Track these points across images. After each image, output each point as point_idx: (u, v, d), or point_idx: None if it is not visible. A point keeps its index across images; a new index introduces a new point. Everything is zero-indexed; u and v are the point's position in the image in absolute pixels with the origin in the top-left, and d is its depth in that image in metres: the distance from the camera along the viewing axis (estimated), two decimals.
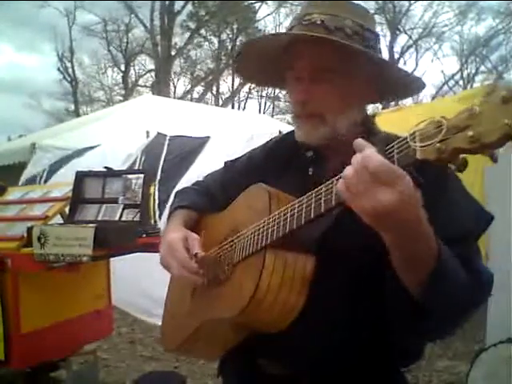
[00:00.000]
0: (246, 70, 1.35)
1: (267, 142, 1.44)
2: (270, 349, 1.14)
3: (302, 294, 1.05)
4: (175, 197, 1.50)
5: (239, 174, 1.37)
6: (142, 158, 6.02)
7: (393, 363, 1.19)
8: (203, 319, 1.21)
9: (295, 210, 1.01)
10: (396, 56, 24.76)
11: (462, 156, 0.75)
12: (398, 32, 24.54)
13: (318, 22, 1.14)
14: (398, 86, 1.21)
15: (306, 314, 1.05)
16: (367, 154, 0.83)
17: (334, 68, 1.15)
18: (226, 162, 1.52)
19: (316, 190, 0.97)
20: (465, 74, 24.50)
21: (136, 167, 5.75)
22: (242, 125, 8.70)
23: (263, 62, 1.28)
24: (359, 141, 0.86)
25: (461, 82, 24.32)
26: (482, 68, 24.13)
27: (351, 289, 1.09)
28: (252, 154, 1.45)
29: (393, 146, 0.83)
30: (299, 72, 1.18)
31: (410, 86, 1.21)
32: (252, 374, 1.22)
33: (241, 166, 1.43)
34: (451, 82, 24.58)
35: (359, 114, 1.21)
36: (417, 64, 24.68)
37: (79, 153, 6.91)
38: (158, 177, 5.50)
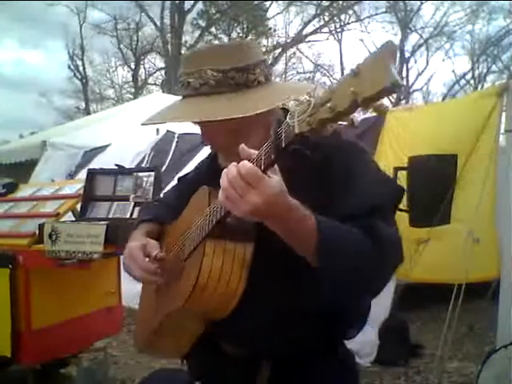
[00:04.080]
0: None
1: (211, 152, 1.54)
2: (227, 331, 1.24)
3: (242, 278, 1.15)
4: (139, 213, 1.62)
5: (190, 186, 1.45)
6: (151, 156, 6.06)
7: (336, 335, 1.31)
8: (163, 314, 1.30)
9: None
10: (407, 55, 24.67)
11: (331, 126, 0.88)
12: (408, 31, 24.41)
13: (185, 85, 1.27)
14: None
15: (250, 297, 1.14)
16: (241, 164, 0.99)
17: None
18: (178, 178, 1.69)
19: None
20: (476, 73, 24.33)
21: (144, 164, 5.79)
22: None
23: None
24: (241, 147, 1.03)
25: (472, 82, 24.16)
26: (494, 67, 23.95)
27: (288, 270, 1.17)
28: (198, 166, 1.60)
29: (281, 127, 0.95)
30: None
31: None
32: (215, 356, 1.32)
33: (191, 178, 1.58)
34: (462, 82, 24.43)
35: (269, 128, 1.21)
36: (428, 63, 24.57)
37: (91, 152, 6.93)
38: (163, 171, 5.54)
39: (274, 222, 1.05)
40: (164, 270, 1.32)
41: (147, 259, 1.34)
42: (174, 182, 1.74)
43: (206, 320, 1.25)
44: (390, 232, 1.15)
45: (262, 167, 0.99)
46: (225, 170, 1.03)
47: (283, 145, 0.94)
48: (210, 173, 1.42)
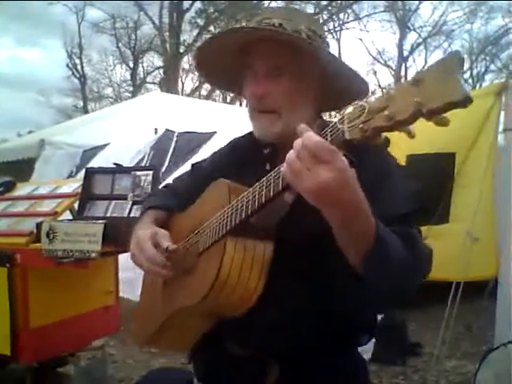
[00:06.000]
0: (207, 67, 1.41)
1: (229, 142, 1.52)
2: (235, 331, 1.22)
3: (261, 277, 1.11)
4: (146, 199, 1.59)
5: (204, 176, 1.42)
6: (151, 155, 6.04)
7: (350, 339, 1.29)
8: (172, 310, 1.26)
9: (249, 197, 1.07)
10: (405, 54, 24.68)
11: (384, 135, 0.85)
12: (407, 30, 24.42)
13: (277, 25, 1.23)
14: (340, 89, 1.28)
15: (266, 297, 1.10)
16: (306, 135, 0.89)
17: (289, 65, 1.24)
18: (192, 165, 1.61)
19: (266, 176, 1.03)
20: (474, 72, 24.38)
21: (144, 163, 5.78)
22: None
23: (222, 61, 1.35)
24: (302, 126, 0.93)
25: (470, 81, 24.17)
26: (492, 66, 24.01)
27: (307, 272, 1.15)
28: (215, 155, 1.54)
29: (327, 130, 0.91)
30: (257, 68, 1.27)
31: (351, 90, 1.26)
32: (221, 357, 1.29)
33: (206, 168, 1.51)
34: None
35: (313, 114, 1.29)
36: (426, 62, 24.54)
37: (90, 151, 6.92)
38: (163, 170, 5.52)
39: (337, 212, 0.93)
40: (173, 263, 1.26)
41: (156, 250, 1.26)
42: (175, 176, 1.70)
43: (217, 318, 1.22)
44: (424, 244, 1.13)
45: None
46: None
47: None
48: (248, 152, 1.37)
